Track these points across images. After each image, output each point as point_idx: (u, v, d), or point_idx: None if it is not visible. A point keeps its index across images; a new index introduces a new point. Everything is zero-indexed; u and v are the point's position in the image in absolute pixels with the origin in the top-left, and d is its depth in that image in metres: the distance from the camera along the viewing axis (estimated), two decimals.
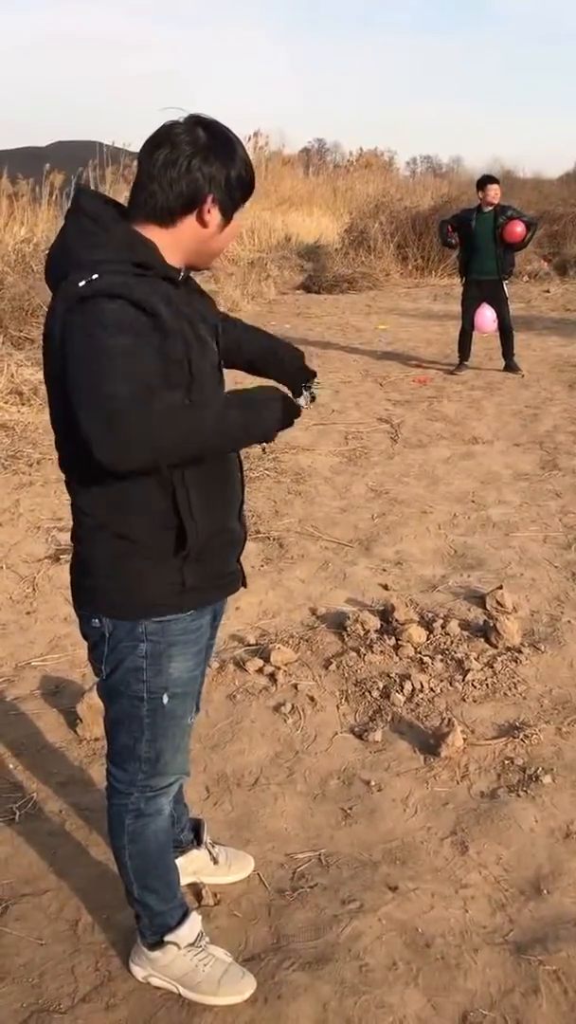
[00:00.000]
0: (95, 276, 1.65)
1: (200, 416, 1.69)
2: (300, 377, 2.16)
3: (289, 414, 1.84)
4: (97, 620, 1.93)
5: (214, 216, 1.78)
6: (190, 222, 1.77)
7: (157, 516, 1.81)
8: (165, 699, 1.94)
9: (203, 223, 1.78)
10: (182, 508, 1.80)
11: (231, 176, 1.76)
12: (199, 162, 1.72)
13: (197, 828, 2.48)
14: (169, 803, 2.11)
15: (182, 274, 1.85)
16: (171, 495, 1.80)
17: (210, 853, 2.47)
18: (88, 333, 1.62)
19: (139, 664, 1.91)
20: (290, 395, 1.99)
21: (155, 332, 1.69)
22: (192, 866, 2.45)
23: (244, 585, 2.10)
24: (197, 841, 2.46)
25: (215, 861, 2.47)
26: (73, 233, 1.76)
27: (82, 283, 1.65)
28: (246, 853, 2.55)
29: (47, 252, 1.85)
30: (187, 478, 1.80)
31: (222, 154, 1.75)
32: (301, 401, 2.05)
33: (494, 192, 8.61)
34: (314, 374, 2.17)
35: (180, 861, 2.40)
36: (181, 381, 1.75)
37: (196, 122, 1.75)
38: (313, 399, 2.13)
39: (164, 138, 1.73)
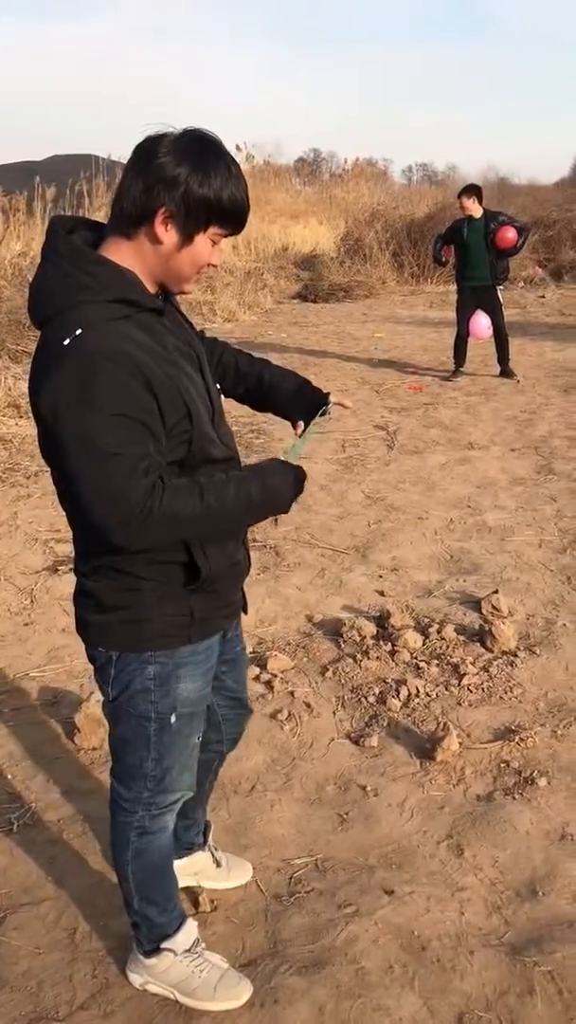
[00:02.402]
0: (79, 332, 1.59)
1: (216, 502, 1.69)
2: (317, 407, 2.14)
3: (301, 483, 1.84)
4: (101, 647, 1.91)
5: (169, 233, 1.66)
6: (146, 234, 1.67)
7: (166, 551, 1.77)
8: (173, 719, 1.93)
9: (155, 238, 1.66)
10: (192, 545, 1.78)
11: (194, 191, 1.62)
12: (161, 171, 1.61)
13: (204, 830, 2.49)
14: (173, 820, 2.10)
15: (162, 297, 1.79)
16: None
17: (213, 855, 2.48)
18: (80, 417, 1.58)
19: (147, 686, 1.88)
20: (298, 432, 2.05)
21: (147, 391, 1.63)
22: (194, 867, 2.46)
23: (245, 611, 2.11)
24: (203, 843, 2.48)
25: (217, 864, 2.48)
26: (53, 275, 1.67)
27: (66, 341, 1.59)
28: (245, 860, 2.56)
29: (28, 290, 1.76)
30: None
31: (193, 168, 1.62)
32: (319, 420, 2.10)
33: (461, 205, 8.65)
34: (328, 395, 2.16)
35: (183, 862, 2.42)
36: (181, 424, 1.72)
37: (183, 133, 1.65)
38: (327, 415, 2.15)
39: (141, 146, 1.65)
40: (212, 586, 1.87)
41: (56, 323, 1.64)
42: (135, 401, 1.61)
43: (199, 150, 1.64)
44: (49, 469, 1.77)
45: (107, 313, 1.63)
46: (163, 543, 1.71)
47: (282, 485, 1.80)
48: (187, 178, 1.62)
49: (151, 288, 1.75)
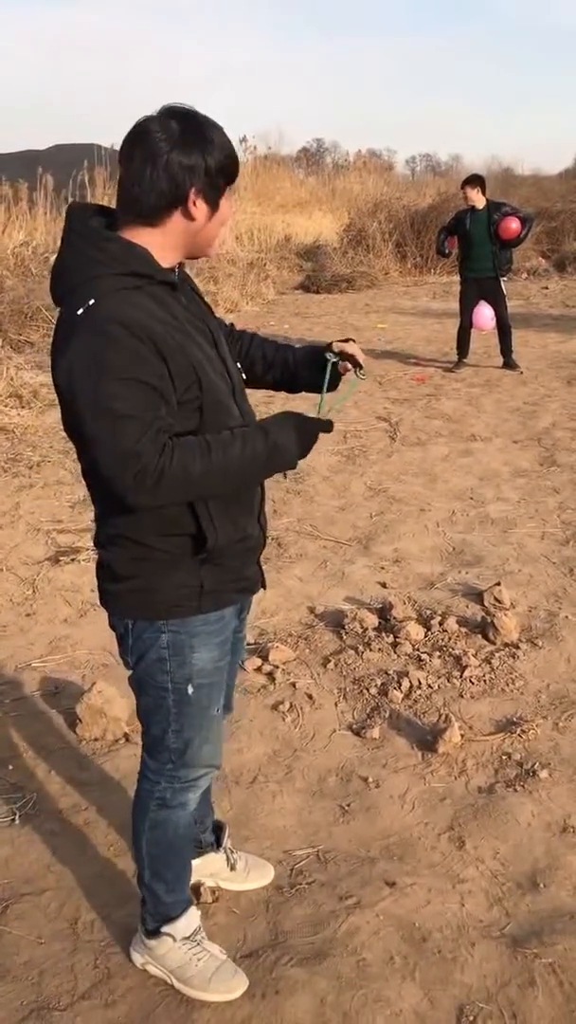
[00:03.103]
0: (91, 302, 1.67)
1: (223, 459, 1.74)
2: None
3: (307, 436, 1.87)
4: (117, 616, 1.98)
5: (200, 208, 1.77)
6: (177, 218, 1.76)
7: (175, 522, 1.83)
8: (190, 690, 1.97)
9: (190, 216, 1.77)
10: (201, 515, 1.83)
11: (210, 164, 1.74)
12: (177, 155, 1.70)
13: (218, 831, 2.49)
14: (196, 799, 2.14)
15: (177, 273, 1.85)
16: (188, 504, 1.82)
17: (228, 858, 2.47)
18: (94, 383, 1.65)
19: (162, 655, 1.94)
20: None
21: (157, 357, 1.69)
22: (209, 868, 2.46)
23: (263, 587, 2.12)
24: (216, 844, 2.47)
25: (232, 867, 2.48)
26: (69, 254, 1.77)
27: (80, 311, 1.67)
28: (267, 863, 2.55)
29: (51, 265, 1.86)
30: None
31: (199, 143, 1.72)
32: (332, 369, 2.07)
33: (466, 194, 8.63)
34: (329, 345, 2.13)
35: (197, 862, 2.42)
36: (191, 391, 1.76)
37: (168, 114, 1.73)
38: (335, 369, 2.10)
39: (139, 136, 1.72)
40: (220, 558, 1.90)
41: (71, 297, 1.72)
42: (147, 366, 1.68)
43: (194, 126, 1.74)
44: (74, 444, 1.83)
45: (119, 284, 1.70)
46: (177, 501, 1.76)
47: (287, 441, 1.84)
48: (202, 157, 1.73)
49: (172, 263, 1.83)
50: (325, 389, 2.10)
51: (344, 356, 2.10)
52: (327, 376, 2.10)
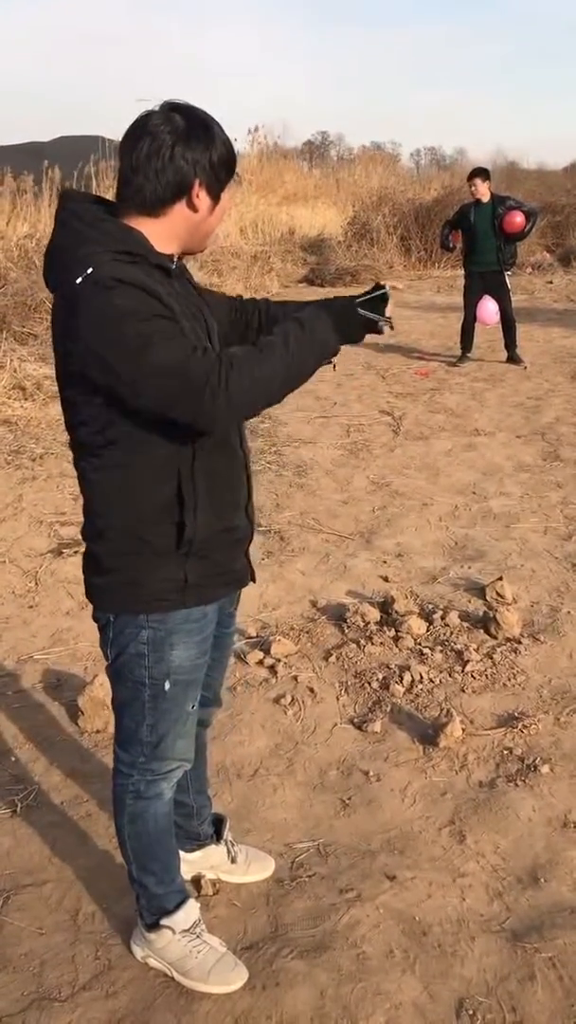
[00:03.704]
0: (90, 270, 1.68)
1: (274, 352, 1.76)
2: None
3: (344, 319, 1.89)
4: (101, 608, 1.98)
5: (203, 200, 1.80)
6: (180, 209, 1.79)
7: (161, 511, 1.84)
8: (167, 686, 1.97)
9: (193, 208, 1.79)
10: (186, 503, 1.83)
11: (214, 158, 1.78)
12: (182, 149, 1.74)
13: (218, 824, 2.49)
14: (171, 789, 2.14)
15: (175, 263, 1.86)
16: (176, 490, 1.83)
17: (228, 851, 2.48)
18: (111, 322, 1.65)
19: (141, 650, 1.94)
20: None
21: (161, 304, 1.72)
22: (209, 861, 2.47)
23: (252, 579, 2.12)
24: (217, 837, 2.47)
25: (232, 859, 2.48)
26: (62, 234, 1.78)
27: (79, 280, 1.68)
28: (267, 855, 2.55)
29: (43, 257, 1.88)
30: (196, 472, 1.83)
31: (203, 137, 1.76)
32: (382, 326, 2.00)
33: (475, 188, 8.59)
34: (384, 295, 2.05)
35: (198, 855, 2.44)
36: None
37: (171, 108, 1.76)
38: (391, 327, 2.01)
39: (143, 129, 1.75)
40: (204, 551, 1.90)
41: (67, 273, 1.72)
42: (157, 306, 1.70)
43: (197, 120, 1.77)
44: (60, 392, 1.84)
45: (114, 258, 1.71)
46: (248, 407, 1.77)
47: (323, 327, 1.85)
48: (206, 151, 1.76)
49: (172, 252, 1.85)
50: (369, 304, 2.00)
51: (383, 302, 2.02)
52: (375, 297, 2.01)
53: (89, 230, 1.75)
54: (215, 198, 1.82)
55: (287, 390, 1.82)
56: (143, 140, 1.74)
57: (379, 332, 1.98)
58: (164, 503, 1.83)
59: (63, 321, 1.75)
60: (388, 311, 2.00)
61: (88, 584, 1.99)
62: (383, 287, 2.01)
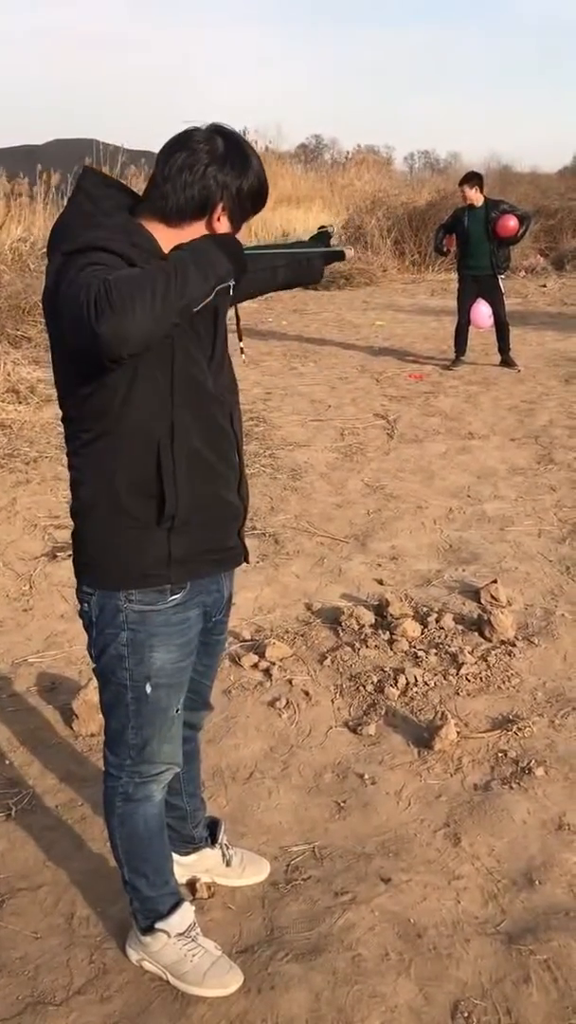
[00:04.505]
0: (79, 237, 1.70)
1: (154, 273, 1.63)
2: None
3: (228, 247, 1.76)
4: (87, 604, 1.97)
5: (223, 224, 1.82)
6: (199, 227, 1.81)
7: (142, 483, 1.84)
8: (148, 688, 1.98)
9: (212, 229, 1.81)
10: (165, 476, 1.83)
11: (243, 187, 1.80)
12: (215, 170, 1.77)
13: (213, 827, 2.49)
14: (161, 790, 2.14)
15: None
16: (156, 462, 1.83)
17: (223, 854, 2.47)
18: (75, 267, 1.66)
19: (121, 652, 1.95)
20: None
21: (116, 259, 1.70)
22: (204, 864, 2.46)
23: (246, 560, 2.11)
24: (212, 840, 2.47)
25: (227, 862, 2.47)
26: (73, 213, 1.80)
27: (66, 244, 1.71)
28: (262, 858, 2.55)
29: (50, 231, 1.88)
30: (176, 446, 1.83)
31: (237, 164, 1.79)
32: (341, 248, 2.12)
33: (464, 194, 8.63)
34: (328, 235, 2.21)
35: (192, 858, 2.44)
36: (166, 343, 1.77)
37: (216, 131, 1.80)
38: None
39: (184, 143, 1.78)
40: (187, 526, 1.90)
41: (64, 244, 1.72)
42: (110, 259, 1.67)
43: (237, 148, 1.80)
44: (52, 360, 1.84)
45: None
46: (133, 321, 1.58)
47: (210, 248, 1.73)
48: (238, 178, 1.79)
49: None
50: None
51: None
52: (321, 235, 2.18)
53: (101, 217, 1.76)
54: (235, 226, 1.84)
55: (172, 307, 1.63)
56: (180, 152, 1.77)
57: (340, 256, 2.08)
58: (146, 477, 1.83)
59: (49, 285, 1.76)
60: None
61: (76, 562, 2.00)
62: (325, 227, 2.17)
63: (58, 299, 1.69)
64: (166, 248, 1.80)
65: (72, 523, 1.99)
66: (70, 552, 4.46)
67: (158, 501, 1.85)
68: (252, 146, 1.85)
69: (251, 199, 1.84)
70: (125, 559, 1.90)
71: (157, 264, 1.68)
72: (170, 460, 1.83)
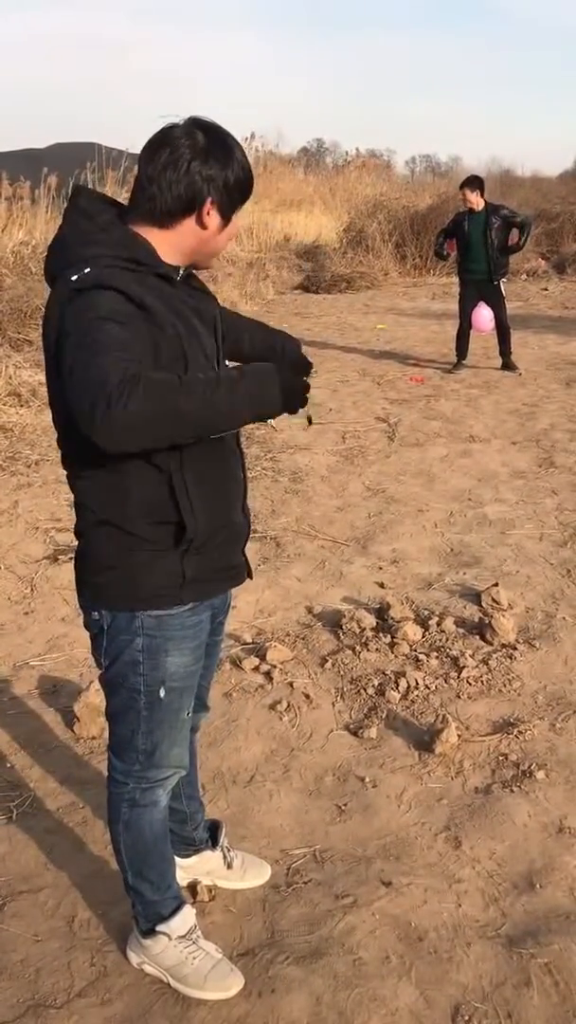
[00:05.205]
0: (87, 270, 1.69)
1: (188, 392, 1.62)
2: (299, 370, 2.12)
3: (289, 393, 1.76)
4: (97, 613, 1.96)
5: (213, 218, 1.81)
6: (189, 224, 1.81)
7: (156, 510, 1.83)
8: (162, 693, 1.97)
9: (202, 225, 1.81)
10: (181, 503, 1.82)
11: (229, 178, 1.79)
12: (198, 165, 1.75)
13: (214, 830, 2.49)
14: (166, 796, 2.14)
15: (181, 272, 1.87)
16: (169, 490, 1.82)
17: (224, 856, 2.47)
18: (81, 320, 1.65)
19: (136, 658, 1.93)
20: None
21: (146, 324, 1.71)
22: (205, 867, 2.46)
23: (250, 576, 2.12)
24: (212, 843, 2.47)
25: (228, 865, 2.47)
26: (70, 231, 1.80)
27: (74, 277, 1.69)
28: (263, 861, 2.55)
29: (47, 249, 1.89)
30: (186, 473, 1.82)
31: (221, 157, 1.78)
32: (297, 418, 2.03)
33: (465, 197, 8.65)
34: (310, 365, 2.16)
35: (193, 860, 2.44)
36: (174, 366, 1.74)
37: (195, 125, 1.78)
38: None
39: (164, 141, 1.77)
40: (203, 548, 1.90)
41: (68, 271, 1.72)
42: (133, 320, 1.68)
43: (218, 140, 1.79)
44: (56, 418, 1.83)
45: (118, 265, 1.72)
46: (137, 437, 1.60)
47: (264, 377, 1.73)
48: (223, 170, 1.78)
49: (176, 263, 1.85)
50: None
51: None
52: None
53: (98, 233, 1.76)
54: (226, 218, 1.83)
55: (195, 433, 1.68)
56: (162, 151, 1.76)
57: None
58: (158, 501, 1.82)
59: (50, 308, 1.76)
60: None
61: (83, 583, 1.97)
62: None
63: (63, 352, 1.66)
64: (166, 255, 1.81)
65: (77, 541, 1.97)
66: (71, 555, 4.47)
67: (174, 526, 1.84)
68: (233, 135, 1.83)
69: (238, 189, 1.82)
70: (137, 581, 1.88)
71: (194, 389, 1.62)
72: (183, 485, 1.82)
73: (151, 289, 1.74)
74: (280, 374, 1.76)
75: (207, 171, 1.76)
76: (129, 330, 1.66)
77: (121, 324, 1.65)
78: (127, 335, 1.65)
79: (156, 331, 1.72)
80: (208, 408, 1.64)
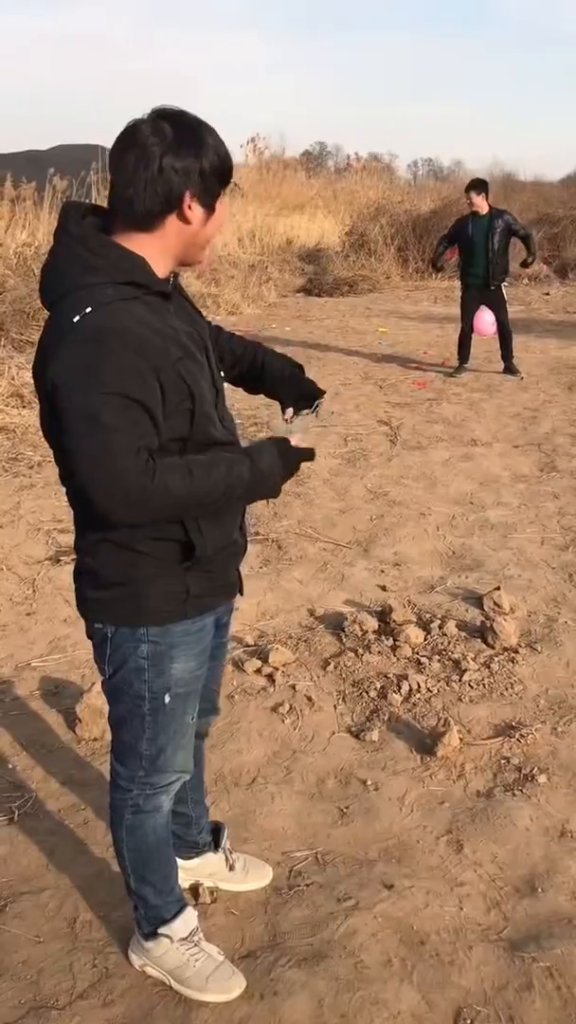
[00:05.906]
0: (88, 310, 1.64)
1: (204, 481, 1.75)
2: (310, 398, 2.15)
3: (291, 464, 1.91)
4: (100, 623, 1.95)
5: (195, 211, 1.74)
6: (172, 221, 1.74)
7: (161, 528, 1.82)
8: (167, 699, 1.96)
9: (185, 220, 1.74)
10: (188, 523, 1.82)
11: (205, 167, 1.71)
12: (171, 159, 1.67)
13: (216, 832, 2.49)
14: (169, 801, 2.13)
15: (172, 281, 1.84)
16: None
17: (227, 859, 2.47)
18: (88, 392, 1.62)
19: (141, 665, 1.92)
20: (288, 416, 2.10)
21: (152, 372, 1.67)
22: (207, 869, 2.46)
23: (240, 592, 2.12)
24: (215, 845, 2.47)
25: (230, 867, 2.47)
26: (64, 257, 1.74)
27: (76, 319, 1.64)
28: (265, 863, 2.55)
29: (40, 272, 1.83)
30: None
31: (192, 146, 1.69)
32: (309, 415, 2.10)
33: (470, 200, 8.66)
34: (323, 393, 2.16)
35: (195, 862, 2.44)
36: (181, 407, 1.74)
37: (160, 116, 1.70)
38: (316, 414, 2.16)
39: (130, 140, 1.69)
40: (207, 565, 1.90)
41: (66, 303, 1.68)
42: (139, 382, 1.66)
43: (186, 128, 1.71)
44: (52, 451, 1.81)
45: (116, 293, 1.68)
46: (159, 519, 1.77)
47: (271, 468, 1.86)
48: (196, 160, 1.70)
49: (166, 270, 1.81)
50: (296, 427, 2.11)
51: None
52: (303, 414, 2.12)
53: (94, 258, 1.70)
54: (208, 208, 1.76)
55: (202, 513, 1.83)
56: (131, 152, 1.68)
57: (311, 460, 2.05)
58: (163, 524, 1.81)
59: (48, 344, 1.71)
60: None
61: (84, 599, 1.96)
62: (319, 401, 2.13)
63: (66, 416, 1.65)
64: (155, 260, 1.75)
65: (77, 556, 1.96)
66: (74, 557, 4.48)
67: (179, 543, 1.85)
68: (202, 120, 1.74)
69: (216, 175, 1.74)
70: (142, 596, 1.88)
71: (213, 474, 1.76)
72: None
73: (151, 315, 1.71)
74: (280, 447, 1.89)
75: (179, 164, 1.68)
76: (138, 392, 1.64)
77: (125, 394, 1.63)
78: (136, 415, 1.65)
79: (162, 374, 1.69)
80: (218, 494, 1.79)
